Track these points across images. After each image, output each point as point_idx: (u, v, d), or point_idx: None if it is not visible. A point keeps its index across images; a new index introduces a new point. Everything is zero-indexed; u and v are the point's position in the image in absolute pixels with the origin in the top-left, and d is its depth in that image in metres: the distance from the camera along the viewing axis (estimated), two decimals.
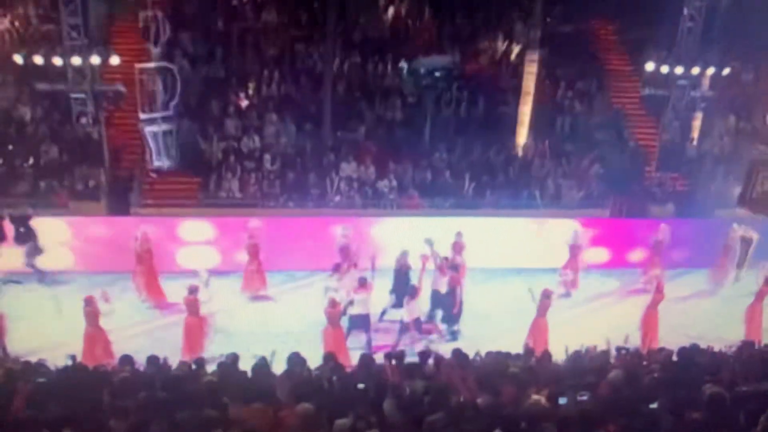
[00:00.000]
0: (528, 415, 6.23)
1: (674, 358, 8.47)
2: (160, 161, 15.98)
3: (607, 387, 7.04)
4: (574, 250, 13.88)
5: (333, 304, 10.47)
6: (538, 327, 11.07)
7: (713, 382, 7.15)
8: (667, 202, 17.61)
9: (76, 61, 14.20)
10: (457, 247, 13.25)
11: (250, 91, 18.17)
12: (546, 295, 11.11)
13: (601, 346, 8.88)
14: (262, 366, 7.67)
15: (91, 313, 10.02)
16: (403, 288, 11.77)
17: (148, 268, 12.58)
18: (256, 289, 13.06)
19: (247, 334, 11.07)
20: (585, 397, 6.75)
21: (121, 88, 15.65)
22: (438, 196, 16.81)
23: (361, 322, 11.08)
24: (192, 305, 10.47)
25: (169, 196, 15.52)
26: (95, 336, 10.06)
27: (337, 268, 11.97)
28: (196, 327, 10.46)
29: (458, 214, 15.91)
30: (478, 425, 6.02)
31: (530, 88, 17.65)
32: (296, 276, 14.00)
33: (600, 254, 15.20)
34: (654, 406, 6.60)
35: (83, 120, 15.20)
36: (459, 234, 13.36)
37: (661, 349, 8.81)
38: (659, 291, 11.59)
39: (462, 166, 17.65)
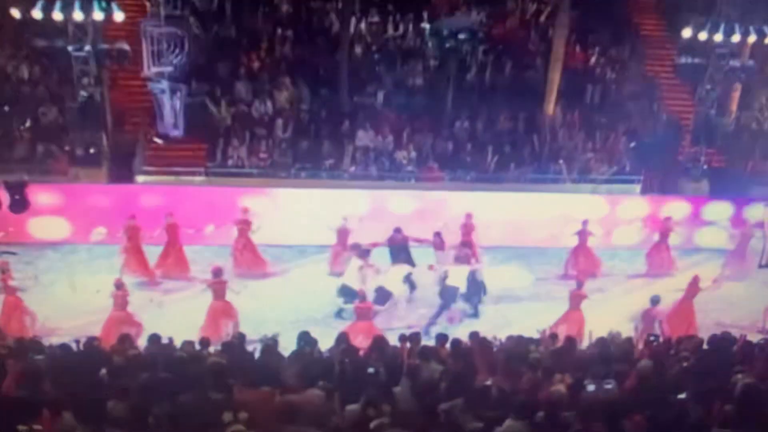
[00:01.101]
0: (547, 403, 6.18)
1: (704, 346, 8.35)
2: (166, 126, 15.91)
3: (635, 377, 6.97)
4: (583, 236, 13.61)
5: (362, 298, 10.46)
6: (572, 321, 10.71)
7: (745, 373, 7.07)
8: (701, 178, 17.29)
9: (78, 16, 14.01)
10: (467, 229, 13.16)
11: (262, 52, 17.93)
12: (579, 286, 10.91)
13: (627, 333, 8.78)
14: (271, 347, 7.66)
15: (121, 296, 10.12)
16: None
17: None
18: (248, 267, 12.95)
19: (256, 313, 11.06)
20: (610, 386, 6.68)
21: (126, 47, 15.46)
22: (459, 169, 16.63)
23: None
24: (218, 288, 10.45)
25: (175, 164, 15.47)
26: (123, 321, 10.06)
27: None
28: (221, 312, 10.44)
29: (479, 188, 15.73)
30: (495, 412, 5.99)
31: (560, 54, 17.29)
32: (307, 251, 13.98)
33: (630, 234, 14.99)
34: (682, 396, 6.53)
35: (84, 80, 15.07)
36: (469, 215, 13.26)
37: (691, 337, 8.69)
38: (695, 284, 11.32)
39: (485, 137, 17.39)
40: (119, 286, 10.18)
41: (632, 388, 6.82)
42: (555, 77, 17.50)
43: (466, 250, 12.30)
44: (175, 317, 10.90)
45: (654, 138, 17.61)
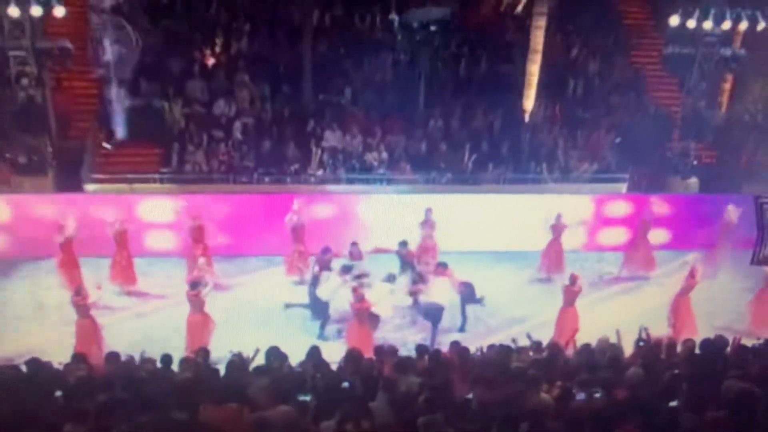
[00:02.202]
0: (532, 414, 6.40)
1: (697, 350, 8.66)
2: (115, 130, 15.88)
3: (625, 386, 7.23)
4: (557, 230, 14.02)
5: (360, 298, 10.59)
6: (566, 318, 11.15)
7: (740, 378, 7.37)
8: (690, 175, 17.78)
9: (14, 12, 13.96)
10: (427, 226, 13.43)
11: (217, 48, 18.01)
12: (572, 281, 11.28)
13: (613, 338, 9.05)
14: (237, 363, 7.77)
15: (81, 302, 10.19)
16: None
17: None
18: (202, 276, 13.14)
19: (221, 327, 11.15)
20: (598, 395, 6.92)
21: (68, 45, 15.43)
22: (434, 170, 16.87)
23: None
24: (195, 301, 10.55)
25: (126, 170, 15.46)
26: (90, 327, 10.25)
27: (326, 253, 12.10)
28: (200, 325, 10.55)
29: (456, 190, 16.03)
30: (477, 425, 6.19)
31: (539, 45, 17.56)
32: (275, 261, 14.08)
33: (616, 235, 15.43)
34: (674, 403, 6.79)
35: (24, 81, 15.00)
36: (429, 210, 13.54)
37: (683, 341, 8.99)
38: (692, 276, 11.76)
39: (461, 136, 17.69)
40: (78, 291, 10.27)
41: (622, 396, 7.07)
42: (534, 70, 17.76)
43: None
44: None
45: (640, 133, 17.99)
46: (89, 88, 16.47)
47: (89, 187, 15.20)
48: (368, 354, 8.66)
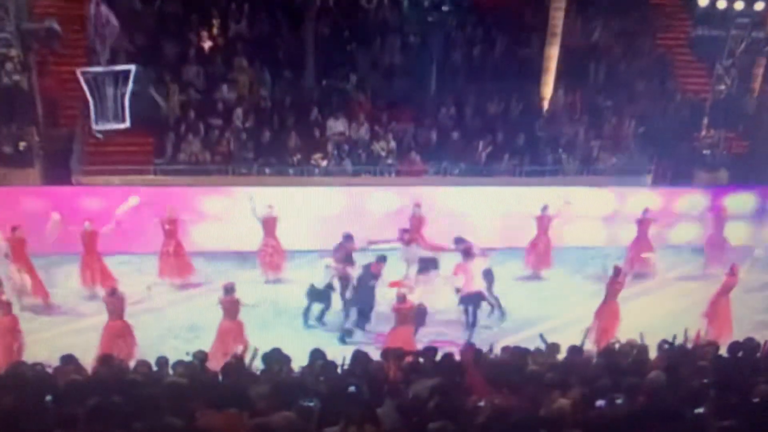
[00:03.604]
0: (549, 420, 6.44)
1: (724, 353, 8.68)
2: (106, 118, 15.91)
3: (646, 390, 7.25)
4: (543, 222, 14.12)
5: (402, 298, 10.73)
6: (608, 313, 11.32)
7: None
8: (719, 167, 17.73)
9: None
10: (415, 221, 13.49)
11: (214, 30, 18.06)
12: (616, 273, 11.43)
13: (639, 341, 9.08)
14: (235, 366, 7.83)
15: (115, 302, 10.26)
16: None
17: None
18: (178, 275, 13.28)
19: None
20: (620, 401, 6.94)
21: (56, 26, 15.50)
22: (445, 161, 16.90)
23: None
24: (230, 307, 10.56)
25: (119, 161, 15.54)
26: (123, 330, 10.32)
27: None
28: (230, 333, 10.56)
29: (469, 183, 16.05)
30: None
31: (558, 27, 17.61)
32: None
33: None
34: (700, 410, 6.81)
35: (8, 66, 15.06)
36: (417, 205, 13.63)
37: (709, 344, 9.01)
38: (733, 273, 11.85)
39: (474, 124, 17.70)
40: (112, 291, 10.38)
41: (643, 403, 7.09)
42: (553, 54, 17.81)
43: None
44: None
45: (666, 122, 18.01)
46: (78, 72, 16.48)
47: (79, 179, 15.28)
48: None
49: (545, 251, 14.19)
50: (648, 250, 14.17)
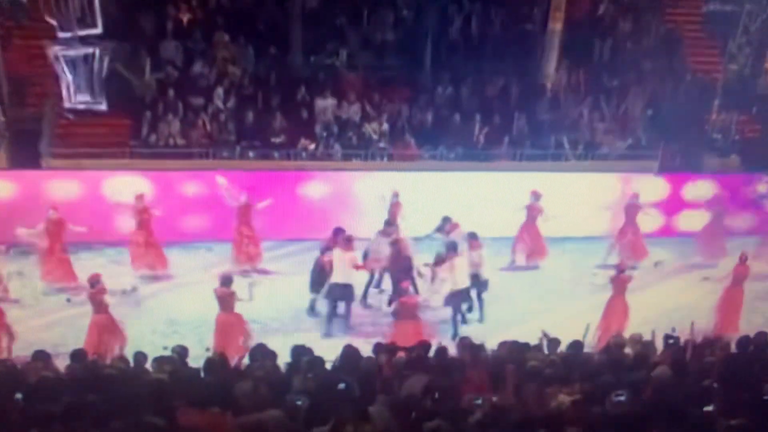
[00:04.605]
0: (549, 418, 6.54)
1: (733, 349, 8.80)
2: (78, 97, 15.83)
3: (651, 387, 7.36)
4: (532, 212, 14.26)
5: (406, 291, 10.97)
6: (615, 310, 11.52)
7: None
8: (730, 152, 17.83)
9: None
10: (394, 210, 13.62)
11: (193, 2, 17.96)
12: (620, 269, 11.61)
13: (645, 336, 9.19)
14: (218, 362, 7.90)
15: (99, 295, 10.32)
16: None
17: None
18: (150, 265, 13.33)
19: (199, 322, 11.30)
20: (622, 398, 7.04)
21: None
22: (441, 145, 16.94)
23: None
24: (225, 299, 10.62)
25: (91, 143, 15.49)
26: (107, 325, 10.38)
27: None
28: (230, 326, 10.64)
29: (466, 168, 16.09)
30: (489, 430, 6.33)
31: (561, 2, 17.60)
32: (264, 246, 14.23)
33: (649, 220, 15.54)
34: (709, 408, 6.91)
35: None
36: (396, 194, 13.77)
37: (717, 339, 9.13)
38: (742, 263, 12.03)
39: (472, 105, 17.72)
40: (95, 282, 10.37)
41: (648, 400, 7.20)
42: (556, 30, 17.82)
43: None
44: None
45: (675, 104, 18.04)
46: (47, 47, 16.38)
47: (48, 162, 15.25)
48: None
49: (534, 242, 14.30)
50: (637, 239, 14.35)
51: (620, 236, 14.48)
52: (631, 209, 14.54)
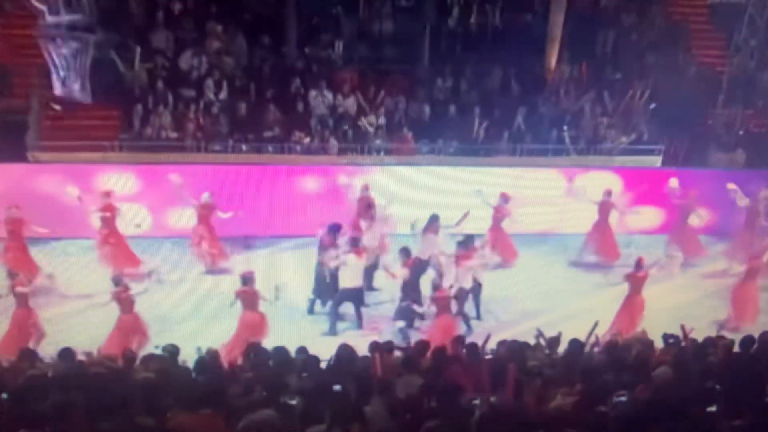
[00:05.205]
0: (547, 419, 6.59)
1: (736, 349, 8.85)
2: (66, 88, 15.83)
3: (652, 387, 7.41)
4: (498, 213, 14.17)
5: (437, 286, 11.07)
6: (632, 307, 11.62)
7: None
8: (735, 147, 17.86)
9: None
10: (363, 203, 13.64)
11: None
12: (637, 266, 11.68)
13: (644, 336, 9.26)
14: (210, 361, 7.93)
15: (126, 296, 10.44)
16: None
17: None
18: (121, 264, 13.19)
19: (190, 320, 11.35)
20: (623, 398, 7.09)
21: None
22: (439, 139, 16.96)
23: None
24: (248, 299, 10.72)
25: (80, 136, 15.48)
26: (133, 326, 10.50)
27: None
28: (255, 325, 10.74)
29: (464, 163, 16.14)
30: None
31: None
32: (255, 244, 14.48)
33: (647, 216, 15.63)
34: (712, 409, 6.97)
35: None
36: (366, 187, 13.82)
37: (720, 338, 9.18)
38: (757, 257, 12.26)
39: (471, 98, 17.75)
40: (119, 282, 10.47)
41: (649, 400, 7.25)
42: (558, 21, 17.83)
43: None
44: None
45: (679, 98, 18.00)
46: (33, 37, 16.35)
47: (35, 155, 15.25)
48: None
49: (504, 243, 14.28)
50: (609, 237, 14.37)
51: (593, 234, 14.50)
52: (605, 206, 14.41)
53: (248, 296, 10.71)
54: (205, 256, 13.58)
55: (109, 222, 13.19)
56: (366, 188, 13.92)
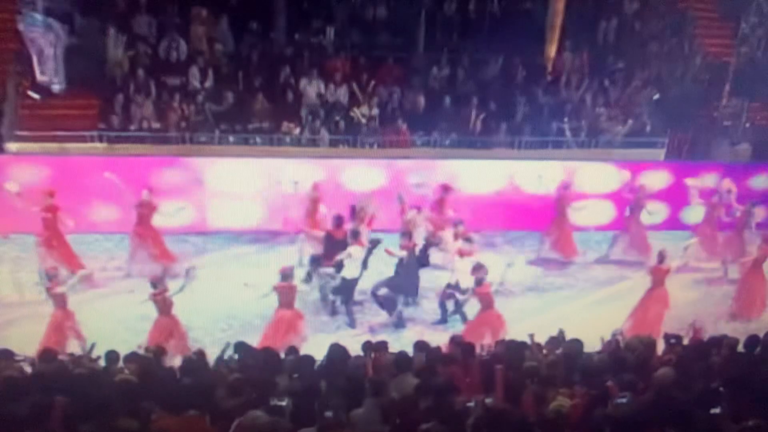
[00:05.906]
0: (546, 421, 6.64)
1: (740, 348, 8.92)
2: (43, 76, 15.79)
3: (654, 388, 7.47)
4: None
5: (480, 281, 11.07)
6: (655, 300, 11.73)
7: None
8: (741, 140, 17.92)
9: None
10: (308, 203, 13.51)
11: None
12: (660, 259, 11.76)
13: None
14: (196, 362, 7.95)
15: (163, 298, 10.44)
16: None
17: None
18: (71, 267, 12.86)
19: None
20: (624, 400, 7.14)
21: None
22: (435, 131, 16.99)
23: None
24: (285, 294, 10.73)
25: (58, 126, 15.43)
26: (171, 328, 10.49)
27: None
28: (287, 323, 10.74)
29: (461, 155, 16.18)
30: None
31: None
32: (240, 239, 14.47)
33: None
34: (716, 411, 7.02)
35: None
36: (316, 186, 13.59)
37: (723, 338, 9.24)
38: (766, 241, 12.37)
39: (468, 88, 17.77)
40: (156, 284, 10.47)
41: (651, 402, 7.31)
42: (558, 9, 17.86)
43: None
44: None
45: (684, 89, 18.11)
46: (9, 21, 16.30)
47: (11, 146, 15.19)
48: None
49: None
50: (566, 233, 14.30)
51: (552, 229, 14.44)
52: (562, 199, 14.26)
53: (286, 291, 10.74)
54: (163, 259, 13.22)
55: (49, 223, 12.72)
56: (317, 187, 13.61)
